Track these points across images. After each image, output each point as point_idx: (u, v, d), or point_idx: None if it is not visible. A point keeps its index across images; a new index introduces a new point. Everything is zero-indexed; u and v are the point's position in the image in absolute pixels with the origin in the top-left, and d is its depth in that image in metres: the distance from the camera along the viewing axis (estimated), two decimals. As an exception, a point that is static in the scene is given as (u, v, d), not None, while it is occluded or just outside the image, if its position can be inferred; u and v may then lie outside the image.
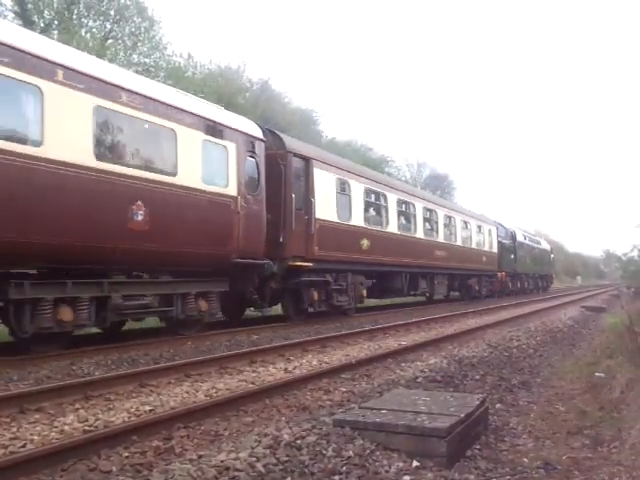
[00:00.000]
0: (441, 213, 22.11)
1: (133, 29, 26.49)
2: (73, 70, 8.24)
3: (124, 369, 7.61)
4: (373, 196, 16.88)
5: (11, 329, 8.21)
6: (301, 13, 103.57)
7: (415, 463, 3.99)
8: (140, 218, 9.04)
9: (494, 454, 4.59)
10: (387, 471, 3.86)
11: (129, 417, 5.35)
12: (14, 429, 4.90)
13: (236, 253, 11.08)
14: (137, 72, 20.09)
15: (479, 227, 26.50)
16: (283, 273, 12.65)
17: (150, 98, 9.49)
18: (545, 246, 42.47)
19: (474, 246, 25.35)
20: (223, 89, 29.50)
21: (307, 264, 13.06)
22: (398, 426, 4.21)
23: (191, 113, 10.31)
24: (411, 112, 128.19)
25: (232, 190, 11.03)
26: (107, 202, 8.60)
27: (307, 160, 13.60)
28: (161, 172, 9.54)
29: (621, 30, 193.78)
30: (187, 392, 6.42)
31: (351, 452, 4.04)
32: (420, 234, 19.70)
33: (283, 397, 6.29)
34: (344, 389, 6.69)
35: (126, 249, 8.97)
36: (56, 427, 4.98)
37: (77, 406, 5.74)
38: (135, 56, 26.86)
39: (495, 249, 28.33)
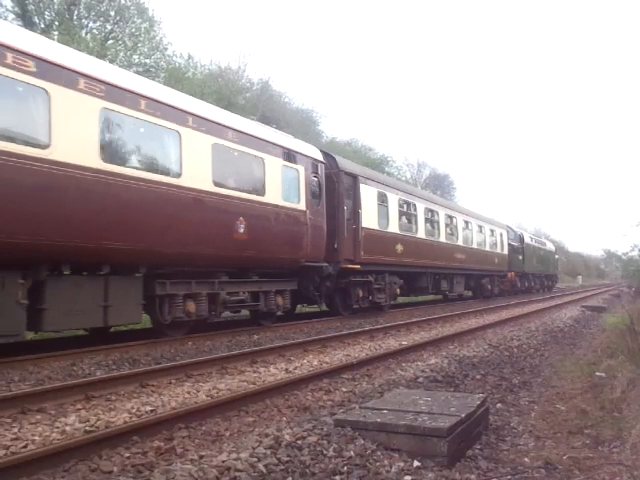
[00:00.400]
0: (460, 219, 24.01)
1: (133, 30, 26.53)
2: (198, 117, 10.50)
3: (125, 369, 7.62)
4: (405, 206, 18.92)
5: (153, 318, 10.42)
6: (301, 13, 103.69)
7: (416, 463, 4.00)
8: (242, 230, 11.23)
9: (495, 454, 4.60)
10: (388, 471, 3.86)
11: (130, 417, 5.35)
12: (15, 429, 4.91)
13: (304, 257, 13.25)
14: (137, 72, 20.11)
15: (492, 231, 28.38)
16: (336, 274, 14.70)
17: (246, 134, 11.75)
18: (550, 247, 44.18)
19: (487, 248, 27.24)
20: (223, 89, 29.54)
21: (355, 266, 15.24)
22: (399, 426, 4.22)
23: (274, 144, 12.57)
24: (411, 112, 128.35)
25: (302, 205, 13.25)
26: (221, 218, 10.85)
27: (355, 177, 15.80)
28: (255, 193, 11.81)
29: (621, 30, 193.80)
30: (188, 392, 6.43)
31: (352, 452, 4.05)
32: (443, 239, 21.67)
33: (284, 397, 6.29)
34: (345, 389, 6.69)
35: (231, 255, 11.14)
36: (57, 427, 4.99)
37: (78, 406, 5.75)
38: (135, 57, 26.91)
39: (506, 251, 30.22)
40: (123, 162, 9.04)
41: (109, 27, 26.10)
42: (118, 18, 25.99)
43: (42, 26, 23.31)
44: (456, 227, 23.36)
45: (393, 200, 17.71)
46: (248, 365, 8.17)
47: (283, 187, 12.59)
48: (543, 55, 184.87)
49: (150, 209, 9.36)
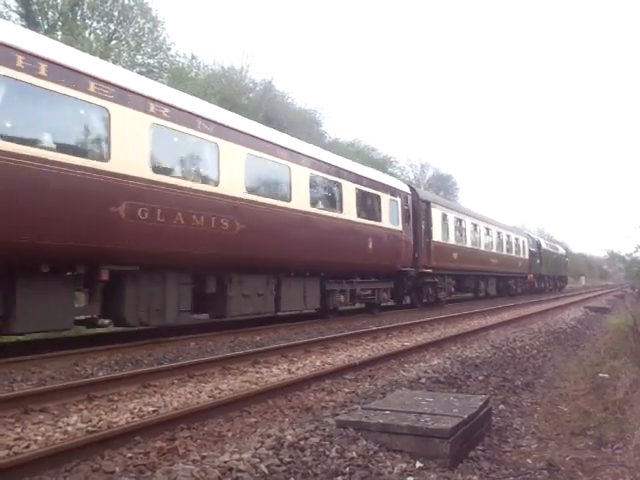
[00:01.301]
0: (493, 229, 29.00)
1: (137, 30, 26.51)
2: (348, 171, 15.19)
3: (128, 370, 7.63)
4: (458, 222, 23.87)
5: (322, 305, 14.67)
6: (305, 14, 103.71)
7: (418, 464, 4.00)
8: (370, 246, 15.95)
9: (497, 455, 4.59)
10: (390, 472, 3.86)
11: (132, 418, 5.36)
12: (18, 429, 4.92)
13: (400, 264, 17.99)
14: (141, 73, 20.14)
15: (516, 239, 33.38)
16: (416, 277, 19.32)
17: (373, 180, 16.84)
18: (561, 252, 49.49)
19: (513, 254, 32.22)
20: (226, 90, 29.54)
21: (429, 270, 19.93)
22: (401, 427, 4.21)
23: (386, 185, 17.72)
24: (414, 112, 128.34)
25: (400, 227, 18.08)
26: (361, 239, 15.56)
27: (428, 203, 20.94)
28: (375, 220, 16.54)
29: (624, 30, 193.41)
30: (190, 393, 6.43)
31: (354, 453, 4.05)
32: (482, 247, 26.67)
33: (286, 398, 6.29)
34: (347, 390, 6.69)
35: (364, 263, 15.80)
36: (60, 427, 5.00)
37: (81, 407, 5.76)
38: (139, 57, 26.91)
39: (527, 256, 35.13)
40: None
41: (112, 27, 26.10)
42: (122, 18, 25.99)
43: (46, 26, 23.33)
44: (491, 237, 28.34)
45: (451, 218, 22.88)
46: (250, 365, 8.17)
47: (390, 215, 17.42)
48: (549, 55, 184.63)
49: (328, 234, 13.99)
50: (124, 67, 17.22)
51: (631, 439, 4.81)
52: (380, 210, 16.92)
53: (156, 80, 16.47)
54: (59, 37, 21.18)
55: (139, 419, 5.25)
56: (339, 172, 14.78)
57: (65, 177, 7.84)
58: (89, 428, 4.98)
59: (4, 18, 20.02)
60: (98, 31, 25.79)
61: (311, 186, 13.54)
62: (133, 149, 8.92)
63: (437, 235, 21.04)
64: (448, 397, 5.28)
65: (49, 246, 7.76)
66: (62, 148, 7.97)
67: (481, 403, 4.98)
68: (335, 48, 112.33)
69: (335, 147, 31.68)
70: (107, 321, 9.33)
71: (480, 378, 7.52)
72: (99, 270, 8.63)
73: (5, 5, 23.07)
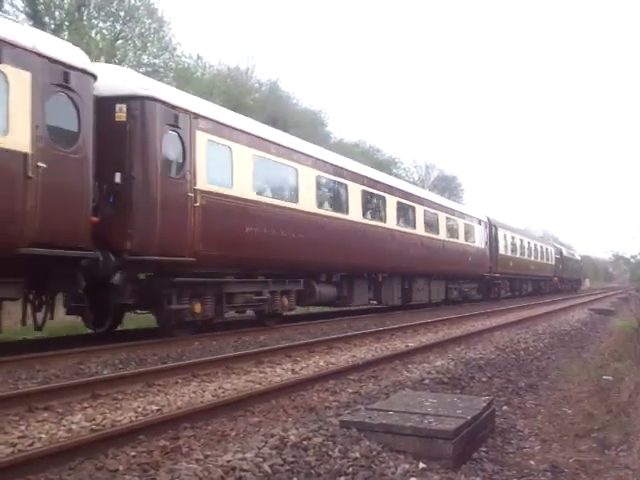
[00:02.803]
0: (532, 242, 37.33)
1: (143, 30, 26.52)
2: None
3: (132, 368, 7.64)
4: (512, 238, 32.15)
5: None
6: (310, 14, 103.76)
7: (421, 465, 3.99)
8: (470, 259, 23.21)
9: (501, 456, 4.59)
10: (393, 473, 3.86)
11: (136, 416, 5.37)
12: (22, 427, 4.93)
13: (484, 270, 26.55)
14: (146, 73, 20.16)
15: (546, 249, 41.52)
16: (490, 279, 27.98)
17: (465, 214, 25.14)
18: (578, 257, 59.30)
19: (545, 261, 40.31)
20: (232, 90, 29.57)
21: (496, 274, 28.23)
22: (405, 428, 4.21)
23: (479, 219, 25.67)
24: (420, 113, 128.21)
25: (483, 245, 26.42)
26: (464, 255, 22.95)
27: (496, 227, 29.05)
28: (470, 241, 24.25)
29: (628, 30, 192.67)
30: (194, 392, 6.44)
31: (357, 453, 4.05)
32: (526, 256, 34.92)
33: (290, 398, 6.29)
34: (351, 390, 6.68)
35: (467, 270, 23.63)
36: (64, 426, 5.01)
37: (85, 405, 5.77)
38: (145, 57, 26.95)
39: (553, 262, 43.20)
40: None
41: (119, 27, 26.12)
42: (128, 18, 26.04)
43: (52, 26, 23.40)
44: (530, 248, 36.15)
45: (508, 236, 31.38)
46: (254, 365, 8.17)
47: (480, 239, 25.94)
48: (554, 56, 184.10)
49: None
50: (130, 67, 17.23)
51: (635, 441, 4.80)
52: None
53: (161, 80, 16.48)
54: (66, 37, 21.24)
55: (143, 418, 5.26)
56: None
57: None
58: (93, 426, 4.99)
59: (11, 18, 20.08)
60: (104, 31, 25.83)
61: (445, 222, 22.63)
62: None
63: (502, 249, 29.56)
64: (452, 398, 5.27)
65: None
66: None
67: (485, 404, 4.97)
68: (340, 49, 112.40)
69: (340, 148, 31.68)
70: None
71: (484, 379, 7.51)
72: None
73: (12, 5, 23.17)
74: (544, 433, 5.36)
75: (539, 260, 37.95)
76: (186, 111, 10.14)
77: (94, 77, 8.83)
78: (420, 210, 20.12)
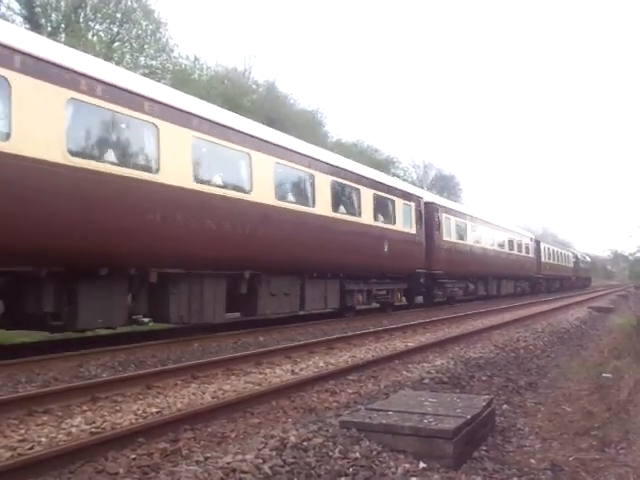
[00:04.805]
0: (559, 250, 46.34)
1: (140, 32, 26.53)
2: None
3: (131, 371, 7.64)
4: (549, 249, 40.80)
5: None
6: (307, 15, 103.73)
7: (422, 464, 3.99)
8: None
9: (501, 455, 4.59)
10: (394, 473, 3.86)
11: (136, 419, 5.37)
12: (22, 431, 4.93)
13: (532, 271, 35.09)
14: (144, 75, 20.15)
15: (567, 255, 50.01)
16: (536, 279, 37.39)
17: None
18: (588, 259, 66.78)
19: (567, 264, 49.19)
20: (229, 91, 29.57)
21: (539, 275, 37.47)
22: (405, 427, 4.21)
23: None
24: (417, 113, 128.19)
25: (532, 255, 34.56)
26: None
27: (538, 242, 38.00)
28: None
29: (628, 29, 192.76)
30: (194, 394, 6.44)
31: (358, 454, 4.05)
32: (555, 261, 43.35)
33: (289, 399, 6.29)
34: (350, 390, 6.69)
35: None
36: (64, 429, 5.01)
37: (84, 408, 5.77)
38: (142, 59, 26.95)
39: (572, 264, 51.65)
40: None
41: (115, 29, 26.12)
42: (124, 20, 26.03)
43: (49, 29, 23.39)
44: (558, 254, 45.13)
45: (548, 247, 41.19)
46: (254, 366, 8.17)
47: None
48: (553, 55, 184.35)
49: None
50: (127, 69, 17.20)
51: (635, 439, 4.81)
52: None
53: (159, 82, 16.49)
54: (62, 39, 21.22)
55: (143, 420, 5.26)
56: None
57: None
58: (93, 429, 4.99)
59: (7, 21, 20.06)
60: (101, 33, 25.84)
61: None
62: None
63: (544, 258, 38.39)
64: (451, 397, 5.27)
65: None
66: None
67: (484, 403, 4.97)
68: (337, 49, 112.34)
69: (338, 147, 31.69)
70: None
71: (483, 378, 7.51)
72: None
73: (8, 8, 23.15)
74: (544, 431, 5.36)
75: (564, 264, 47.67)
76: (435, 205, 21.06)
77: (422, 198, 20.02)
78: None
